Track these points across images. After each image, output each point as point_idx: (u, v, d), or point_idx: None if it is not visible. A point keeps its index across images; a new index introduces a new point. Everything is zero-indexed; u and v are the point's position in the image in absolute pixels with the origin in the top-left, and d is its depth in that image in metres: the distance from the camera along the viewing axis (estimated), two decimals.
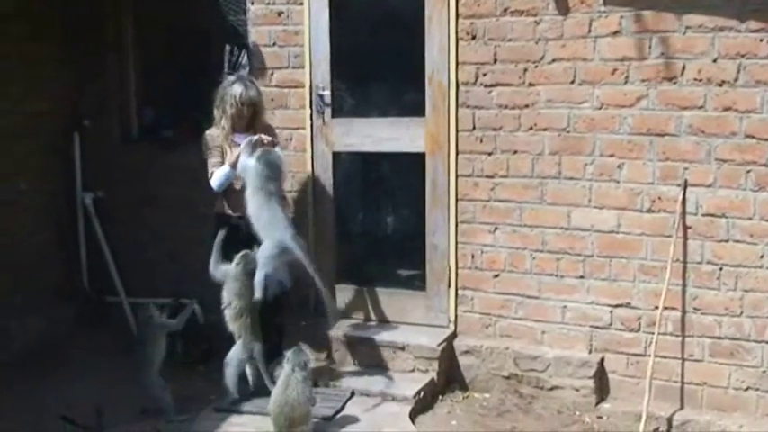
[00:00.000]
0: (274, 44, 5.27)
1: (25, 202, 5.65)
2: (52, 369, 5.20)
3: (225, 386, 4.56)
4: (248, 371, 4.59)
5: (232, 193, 4.76)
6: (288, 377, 4.13)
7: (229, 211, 4.81)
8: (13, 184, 5.54)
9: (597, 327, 4.63)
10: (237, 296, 4.49)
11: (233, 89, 4.69)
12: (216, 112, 4.76)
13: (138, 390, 4.59)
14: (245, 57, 5.44)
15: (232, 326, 4.54)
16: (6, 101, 5.46)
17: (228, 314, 4.54)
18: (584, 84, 4.53)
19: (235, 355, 4.54)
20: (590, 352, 4.66)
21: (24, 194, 5.63)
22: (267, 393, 4.32)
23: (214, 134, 4.79)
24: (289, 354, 4.17)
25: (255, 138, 4.55)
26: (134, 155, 5.88)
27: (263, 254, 4.39)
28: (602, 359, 4.62)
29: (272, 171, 4.44)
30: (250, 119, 4.77)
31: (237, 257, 4.50)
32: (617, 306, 4.57)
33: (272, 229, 4.39)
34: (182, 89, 5.90)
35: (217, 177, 4.71)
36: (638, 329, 4.53)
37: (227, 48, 5.52)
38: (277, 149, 4.67)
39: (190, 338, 5.30)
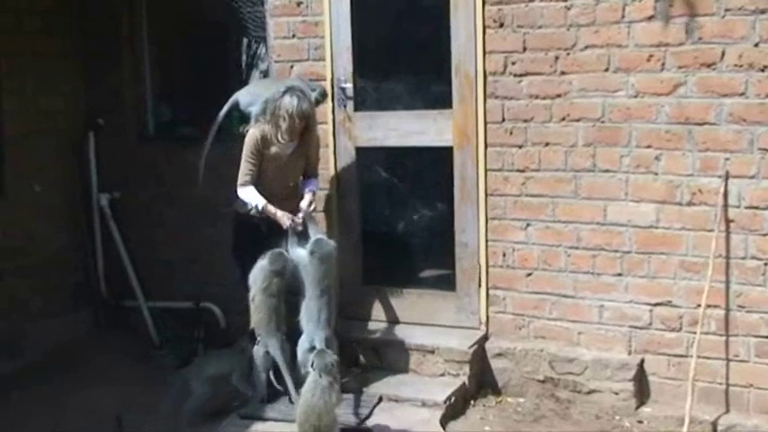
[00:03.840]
0: (293, 36, 5.39)
1: (40, 203, 5.85)
2: (69, 374, 5.39)
3: (253, 385, 4.77)
4: (263, 376, 4.75)
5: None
6: (315, 383, 4.23)
7: (251, 210, 4.88)
8: (27, 185, 5.75)
9: (636, 327, 4.70)
10: (261, 291, 4.65)
11: (284, 101, 4.68)
12: (266, 124, 4.80)
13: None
14: (264, 50, 5.59)
15: (253, 321, 4.71)
16: (19, 98, 5.68)
17: (252, 307, 4.70)
18: (619, 71, 4.60)
19: (256, 353, 4.73)
20: (629, 353, 4.72)
21: (39, 196, 5.83)
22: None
23: (257, 136, 4.80)
24: (313, 357, 4.29)
25: (294, 224, 4.71)
26: (151, 153, 6.04)
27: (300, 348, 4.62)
28: (642, 361, 4.68)
29: (328, 265, 4.64)
30: (302, 131, 4.83)
31: (270, 254, 4.64)
32: (657, 305, 4.64)
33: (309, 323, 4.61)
34: (199, 84, 6.05)
35: (247, 196, 4.78)
36: (680, 329, 4.59)
37: (245, 41, 5.66)
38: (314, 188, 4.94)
39: (210, 343, 5.47)
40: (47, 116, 5.88)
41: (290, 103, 4.68)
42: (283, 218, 4.72)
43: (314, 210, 4.94)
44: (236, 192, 4.85)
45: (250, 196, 4.78)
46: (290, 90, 4.73)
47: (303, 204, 4.83)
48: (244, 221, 4.91)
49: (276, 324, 4.66)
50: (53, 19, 5.91)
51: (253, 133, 4.81)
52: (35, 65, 5.78)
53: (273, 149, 4.83)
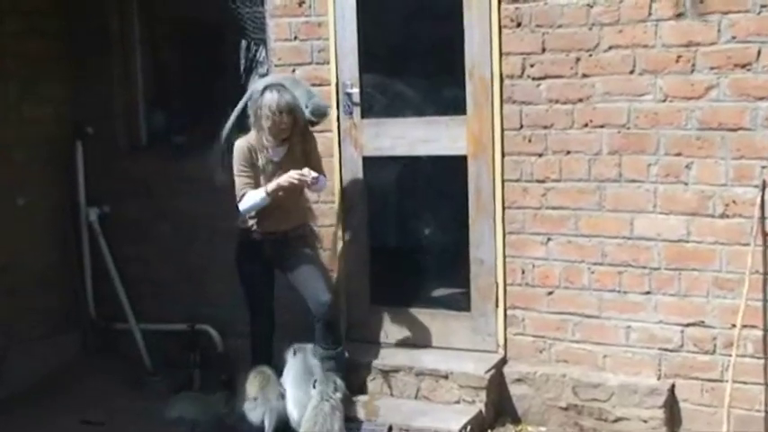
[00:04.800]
0: (295, 38, 5.36)
1: (24, 218, 5.77)
2: (56, 401, 5.36)
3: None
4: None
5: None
6: (316, 410, 4.20)
7: (252, 226, 4.89)
8: (10, 199, 5.68)
9: (666, 349, 4.65)
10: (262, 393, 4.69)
11: (265, 99, 4.69)
12: (252, 128, 4.80)
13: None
14: (263, 53, 5.55)
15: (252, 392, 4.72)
16: (2, 105, 5.62)
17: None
18: (646, 73, 4.55)
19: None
20: (659, 378, 4.67)
21: (23, 210, 5.76)
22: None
23: (244, 146, 4.79)
24: (315, 381, 4.23)
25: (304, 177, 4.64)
26: (143, 164, 5.99)
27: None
28: (673, 386, 4.63)
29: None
30: (290, 128, 4.78)
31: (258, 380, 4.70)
32: (688, 325, 4.58)
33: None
34: (194, 90, 6.04)
35: (248, 202, 4.74)
36: (714, 351, 4.53)
37: (244, 43, 5.62)
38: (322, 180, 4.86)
39: (207, 368, 5.41)
40: (31, 124, 5.81)
41: (270, 98, 4.68)
42: (289, 177, 4.62)
43: (314, 181, 4.74)
44: (236, 208, 4.80)
45: (252, 199, 4.74)
46: (269, 87, 4.74)
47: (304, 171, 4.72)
48: (246, 236, 4.91)
49: (277, 391, 4.65)
50: (38, 20, 5.86)
51: (239, 146, 4.82)
52: (19, 69, 5.73)
53: (264, 158, 4.80)
